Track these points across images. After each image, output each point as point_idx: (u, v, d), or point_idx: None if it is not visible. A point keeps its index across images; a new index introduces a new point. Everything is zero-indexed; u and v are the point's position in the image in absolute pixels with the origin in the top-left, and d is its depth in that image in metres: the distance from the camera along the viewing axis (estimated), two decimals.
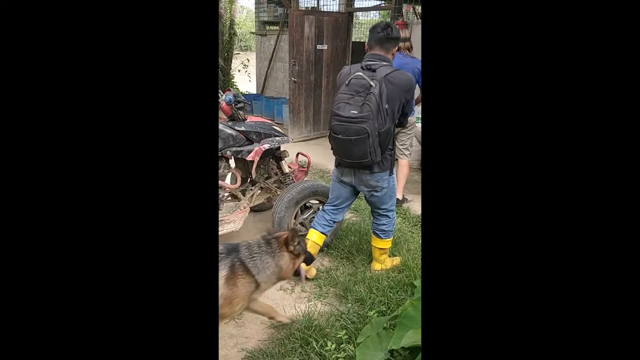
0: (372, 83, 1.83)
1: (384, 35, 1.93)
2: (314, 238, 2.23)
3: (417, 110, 3.42)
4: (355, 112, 1.83)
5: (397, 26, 2.84)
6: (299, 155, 3.00)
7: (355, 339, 1.71)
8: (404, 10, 4.31)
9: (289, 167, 2.86)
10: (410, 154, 3.30)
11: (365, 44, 2.04)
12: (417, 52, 2.97)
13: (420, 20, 4.13)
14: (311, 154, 2.89)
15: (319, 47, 5.27)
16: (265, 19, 7.38)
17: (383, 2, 5.10)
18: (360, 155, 1.88)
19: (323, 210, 2.31)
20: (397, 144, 3.11)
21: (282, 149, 2.71)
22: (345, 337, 1.70)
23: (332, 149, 2.04)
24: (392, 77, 1.88)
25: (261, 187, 2.75)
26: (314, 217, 2.55)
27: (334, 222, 2.27)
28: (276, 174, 2.79)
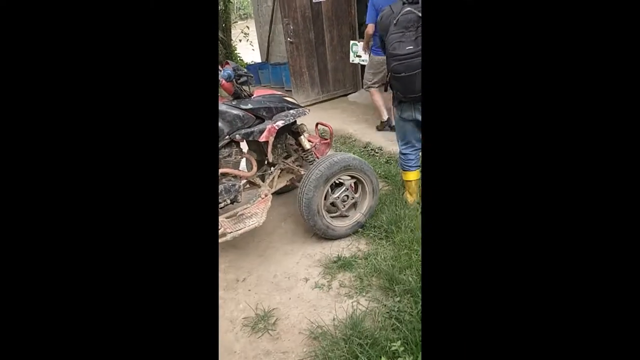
0: (420, 14, 1.79)
1: None
2: (413, 177, 2.34)
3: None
4: (411, 47, 1.81)
5: None
6: (319, 125, 2.62)
7: (415, 346, 1.40)
8: None
9: (310, 141, 2.49)
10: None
11: None
12: None
13: None
14: (326, 119, 2.58)
15: (315, 0, 4.69)
16: None
17: None
18: None
19: (402, 153, 2.34)
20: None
21: (298, 122, 2.31)
22: (402, 348, 1.39)
23: (393, 89, 2.05)
24: None
25: (281, 169, 2.40)
26: (347, 196, 2.21)
27: (419, 154, 2.31)
28: (296, 151, 2.42)
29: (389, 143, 3.59)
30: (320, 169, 2.04)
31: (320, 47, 4.94)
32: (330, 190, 2.14)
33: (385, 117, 3.76)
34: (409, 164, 2.32)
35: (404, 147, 2.30)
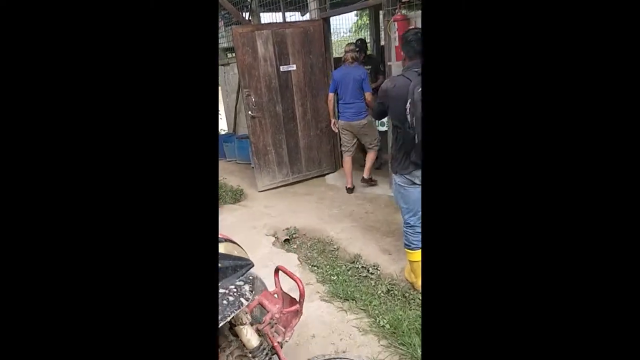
0: None
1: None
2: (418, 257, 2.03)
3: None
4: None
5: (396, 23, 2.95)
6: (280, 273, 1.51)
7: None
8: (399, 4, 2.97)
9: (264, 306, 1.37)
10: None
11: (403, 54, 1.94)
12: None
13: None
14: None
15: (283, 68, 3.79)
16: (225, 45, 5.94)
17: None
18: None
19: (410, 226, 2.04)
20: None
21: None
22: None
23: (407, 157, 1.90)
24: None
25: None
26: None
27: None
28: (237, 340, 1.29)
29: (386, 257, 2.50)
30: None
31: (289, 123, 3.99)
32: None
33: (350, 185, 3.70)
34: (418, 239, 2.01)
35: (412, 218, 2.03)
